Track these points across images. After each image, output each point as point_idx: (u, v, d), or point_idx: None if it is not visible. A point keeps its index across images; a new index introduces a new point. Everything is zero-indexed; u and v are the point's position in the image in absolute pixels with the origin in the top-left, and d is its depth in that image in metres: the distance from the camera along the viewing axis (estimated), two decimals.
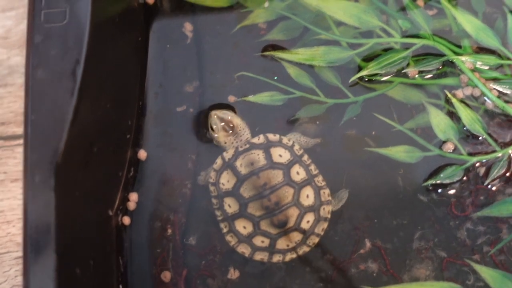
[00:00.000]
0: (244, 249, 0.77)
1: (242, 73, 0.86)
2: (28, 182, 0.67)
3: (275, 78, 0.85)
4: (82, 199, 0.71)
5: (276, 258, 0.77)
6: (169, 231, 0.80)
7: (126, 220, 0.79)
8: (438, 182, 0.79)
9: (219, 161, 0.79)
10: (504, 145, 0.81)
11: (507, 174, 0.80)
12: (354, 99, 0.84)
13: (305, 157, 0.78)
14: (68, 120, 0.69)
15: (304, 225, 0.76)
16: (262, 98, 0.85)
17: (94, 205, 0.74)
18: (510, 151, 0.80)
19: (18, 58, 0.90)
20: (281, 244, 0.76)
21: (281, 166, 0.76)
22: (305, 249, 0.77)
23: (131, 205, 0.80)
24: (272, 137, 0.79)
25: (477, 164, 0.80)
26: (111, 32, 0.78)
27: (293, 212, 0.75)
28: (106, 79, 0.76)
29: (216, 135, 0.81)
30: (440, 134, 0.81)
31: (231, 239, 0.78)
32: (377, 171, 0.81)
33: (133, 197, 0.80)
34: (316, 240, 0.77)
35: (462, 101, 0.82)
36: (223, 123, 0.80)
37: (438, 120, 0.81)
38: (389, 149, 0.81)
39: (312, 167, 0.78)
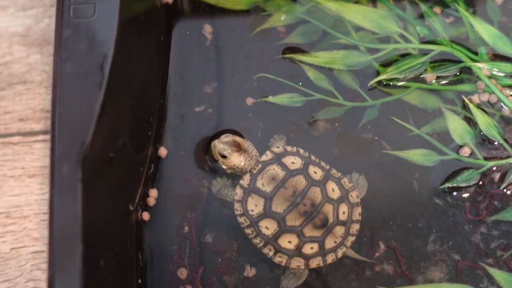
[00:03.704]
0: (297, 263, 0.77)
1: (261, 75, 0.87)
2: (56, 174, 0.67)
3: (300, 84, 0.86)
4: (106, 193, 0.72)
5: (330, 258, 0.77)
6: (186, 228, 0.81)
7: (146, 215, 0.80)
8: (455, 185, 0.80)
9: (238, 191, 0.77)
10: None
11: None
12: (372, 102, 0.85)
13: (313, 157, 0.80)
14: (96, 113, 0.69)
15: (342, 216, 0.77)
16: (281, 99, 0.86)
17: (117, 199, 0.75)
18: None
19: (37, 56, 0.90)
20: (329, 243, 0.77)
21: (299, 171, 0.77)
22: (351, 239, 0.78)
23: (151, 201, 0.80)
24: (277, 149, 0.79)
25: (493, 169, 0.81)
26: (137, 30, 0.79)
27: (328, 208, 0.76)
28: (131, 76, 0.77)
29: (229, 159, 0.79)
30: (457, 138, 0.82)
31: (281, 259, 0.77)
32: (393, 174, 0.82)
33: (153, 193, 0.81)
34: (357, 226, 0.78)
35: (478, 106, 0.84)
36: (230, 146, 0.79)
37: (455, 125, 0.83)
38: (406, 152, 0.82)
39: (323, 163, 0.79)
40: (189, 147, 0.85)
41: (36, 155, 0.86)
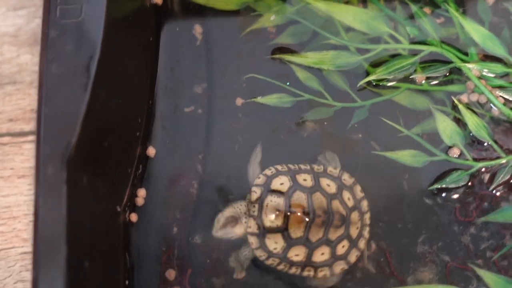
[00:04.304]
0: (340, 266, 0.77)
1: (251, 76, 0.87)
2: (41, 174, 0.67)
3: (288, 84, 0.86)
4: (92, 194, 0.72)
5: (362, 243, 0.78)
6: (175, 229, 0.81)
7: (134, 217, 0.80)
8: (444, 186, 0.80)
9: (253, 240, 0.75)
10: (509, 152, 0.82)
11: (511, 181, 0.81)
12: (362, 103, 0.85)
13: (291, 165, 0.79)
14: (81, 114, 0.69)
15: (349, 202, 0.77)
16: (270, 99, 0.85)
17: (104, 200, 0.75)
18: None
19: (28, 56, 0.90)
20: (353, 231, 0.77)
21: (292, 188, 0.76)
22: (367, 229, 0.78)
23: (139, 200, 0.80)
24: (259, 180, 0.78)
25: (482, 170, 0.81)
26: (124, 31, 0.78)
27: (337, 204, 0.76)
28: (118, 76, 0.76)
29: (237, 234, 0.77)
30: (447, 139, 0.82)
31: (324, 272, 0.77)
32: (382, 175, 0.82)
33: (141, 193, 0.80)
34: (368, 214, 0.79)
35: (468, 107, 0.83)
36: (228, 228, 0.78)
37: (445, 126, 0.82)
38: (395, 153, 0.82)
39: (303, 166, 0.79)
40: (179, 148, 0.85)
41: (26, 156, 0.86)
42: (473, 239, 0.80)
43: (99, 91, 0.72)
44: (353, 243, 0.78)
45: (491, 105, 0.84)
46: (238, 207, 0.77)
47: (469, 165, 0.82)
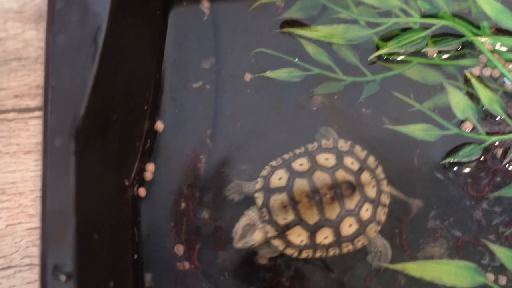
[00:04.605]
0: (373, 230, 0.76)
1: (260, 50, 0.85)
2: (48, 147, 0.66)
3: (296, 60, 0.85)
4: (101, 167, 0.71)
5: (385, 198, 0.77)
6: (183, 205, 0.80)
7: (142, 191, 0.79)
8: (456, 160, 0.79)
9: (277, 243, 0.74)
10: None
11: None
12: (372, 77, 0.84)
13: (294, 151, 0.78)
14: (89, 86, 0.68)
15: (353, 166, 0.76)
16: (280, 74, 0.84)
17: (112, 174, 0.74)
18: None
19: (33, 32, 0.89)
20: (369, 192, 0.76)
21: (291, 179, 0.75)
22: (384, 182, 0.78)
23: (148, 175, 0.79)
24: (258, 185, 0.76)
25: (495, 144, 0.80)
26: (131, 3, 0.77)
27: (341, 173, 0.75)
28: (125, 49, 0.76)
29: (258, 241, 0.75)
30: (459, 113, 0.81)
31: (360, 242, 0.76)
32: (394, 150, 0.81)
33: (150, 167, 0.80)
34: (379, 168, 0.78)
35: (481, 81, 0.82)
36: (247, 237, 0.75)
37: (457, 100, 0.81)
38: (407, 127, 0.81)
39: (302, 149, 0.78)
40: (187, 123, 0.84)
41: (32, 132, 0.85)
42: (485, 214, 0.79)
43: (106, 63, 0.71)
44: (376, 202, 0.76)
45: (504, 79, 0.82)
46: (251, 214, 0.75)
47: (482, 139, 0.81)
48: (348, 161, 0.76)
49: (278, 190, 0.73)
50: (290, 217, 0.72)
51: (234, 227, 0.75)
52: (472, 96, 0.82)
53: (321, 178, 0.73)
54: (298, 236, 0.72)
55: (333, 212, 0.73)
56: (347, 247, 0.75)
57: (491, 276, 0.76)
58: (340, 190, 0.73)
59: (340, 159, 0.76)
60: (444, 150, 0.80)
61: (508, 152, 0.79)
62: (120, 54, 0.74)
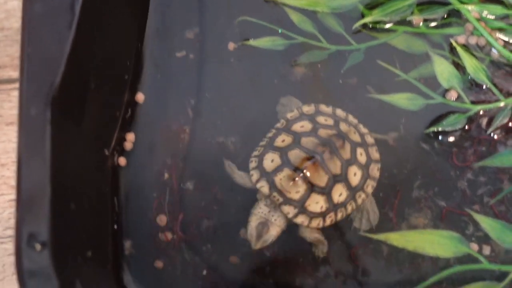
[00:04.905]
0: (371, 185, 0.76)
1: (243, 19, 0.85)
2: (24, 115, 0.65)
3: (280, 31, 0.84)
4: (79, 136, 0.70)
5: (374, 150, 0.77)
6: (166, 175, 0.79)
7: (122, 161, 0.78)
8: (441, 129, 0.78)
9: (302, 220, 0.72)
10: (508, 95, 0.80)
11: (510, 124, 0.79)
12: (357, 46, 0.83)
13: (272, 131, 0.77)
14: (65, 54, 0.67)
15: (328, 122, 0.77)
16: (263, 42, 0.83)
17: (90, 144, 0.73)
18: None
19: (15, 3, 0.88)
20: (355, 137, 0.76)
21: (283, 154, 0.74)
22: (368, 136, 0.78)
23: (128, 145, 0.79)
24: (255, 175, 0.74)
25: (480, 113, 0.79)
26: None
27: (322, 132, 0.75)
28: (105, 17, 0.75)
29: (275, 235, 0.73)
30: (444, 82, 0.80)
31: (360, 198, 0.75)
32: (378, 119, 0.81)
33: (130, 137, 0.79)
34: (355, 120, 0.79)
35: (467, 50, 0.81)
36: (262, 235, 0.73)
37: (442, 68, 0.80)
38: (391, 96, 0.80)
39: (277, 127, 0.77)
40: (169, 93, 0.83)
41: (14, 103, 0.84)
42: (470, 184, 0.78)
43: (84, 31, 0.70)
44: (364, 144, 0.76)
45: (491, 47, 0.81)
46: (260, 211, 0.73)
47: (466, 108, 0.80)
48: (322, 119, 0.75)
49: (277, 169, 0.72)
50: (302, 187, 0.71)
51: (247, 230, 0.72)
52: (458, 66, 0.81)
53: (309, 142, 0.73)
54: (317, 204, 0.72)
55: (336, 166, 0.73)
56: (360, 197, 0.75)
57: (475, 246, 0.75)
58: (332, 144, 0.73)
59: (314, 121, 0.75)
60: (429, 120, 0.80)
61: (493, 121, 0.79)
62: (99, 22, 0.73)
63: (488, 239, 0.76)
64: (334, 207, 0.73)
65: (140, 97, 0.81)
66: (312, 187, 0.71)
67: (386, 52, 0.83)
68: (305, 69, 0.82)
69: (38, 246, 0.63)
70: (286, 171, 0.72)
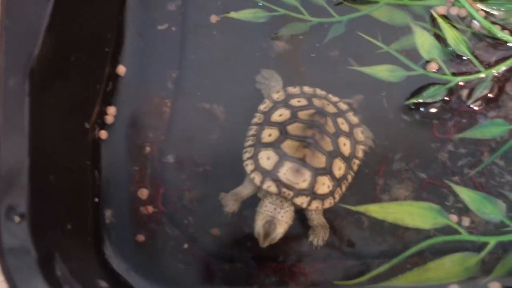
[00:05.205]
0: (360, 130, 0.77)
1: None
2: (2, 87, 0.65)
3: (261, 4, 0.83)
4: (58, 108, 0.70)
5: (350, 114, 0.78)
6: (148, 149, 0.79)
7: (103, 134, 0.78)
8: (421, 101, 0.78)
9: (317, 205, 0.73)
10: (489, 66, 0.80)
11: (490, 95, 0.79)
12: (339, 18, 0.83)
13: (253, 123, 0.77)
14: (44, 25, 0.67)
15: (302, 102, 0.77)
16: (245, 15, 0.83)
17: (71, 116, 0.73)
18: (494, 72, 0.79)
19: None
20: (331, 108, 0.77)
21: (275, 146, 0.74)
22: (341, 104, 0.78)
23: (109, 118, 0.79)
24: (257, 178, 0.73)
25: (461, 84, 0.79)
26: None
27: (301, 114, 0.76)
28: None
29: (283, 231, 0.73)
30: (425, 54, 0.80)
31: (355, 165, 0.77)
32: (360, 92, 0.80)
33: (111, 110, 0.79)
34: (329, 95, 0.79)
35: (448, 21, 0.81)
36: (269, 233, 0.72)
37: (423, 40, 0.80)
38: (372, 68, 0.80)
39: (257, 116, 0.77)
40: (151, 66, 0.83)
41: None
42: (451, 156, 0.78)
43: (63, 2, 0.69)
44: (340, 113, 0.77)
45: (472, 19, 0.81)
46: (265, 209, 0.73)
47: (447, 79, 0.80)
48: (295, 102, 0.76)
49: (278, 165, 0.72)
50: (307, 174, 0.72)
51: (254, 229, 0.72)
52: (440, 38, 0.81)
53: (295, 128, 0.74)
54: (324, 185, 0.72)
55: (328, 143, 0.73)
56: (355, 163, 0.75)
57: (454, 217, 0.76)
58: (317, 123, 0.73)
59: (289, 106, 0.76)
60: (410, 91, 0.80)
61: (473, 92, 0.79)
62: None
63: (468, 210, 0.76)
64: (338, 182, 0.73)
65: (121, 69, 0.81)
66: (315, 171, 0.71)
67: (368, 24, 0.82)
68: (287, 42, 0.82)
69: (16, 218, 0.63)
70: (288, 164, 0.72)
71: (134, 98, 0.81)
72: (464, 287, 0.73)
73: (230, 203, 0.75)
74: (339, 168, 0.73)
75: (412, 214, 0.75)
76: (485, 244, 0.74)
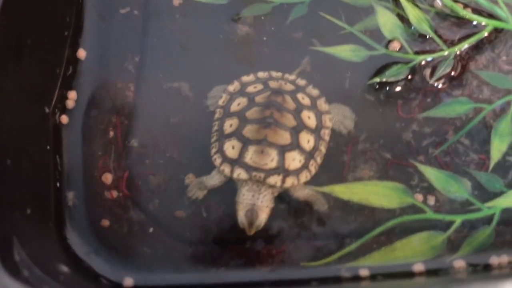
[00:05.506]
0: (322, 101, 0.77)
1: None
2: None
3: None
4: (15, 92, 0.69)
5: (310, 89, 0.79)
6: (111, 133, 0.79)
7: (64, 119, 0.77)
8: (384, 80, 0.78)
9: (292, 181, 0.73)
10: (452, 45, 0.79)
11: (453, 74, 0.79)
12: None
13: (216, 115, 0.77)
14: None
15: (258, 87, 0.77)
16: None
17: (29, 100, 0.72)
18: (457, 50, 0.79)
19: None
20: (288, 87, 0.77)
21: (235, 135, 0.74)
22: (289, 74, 0.78)
23: (70, 103, 0.78)
24: (226, 169, 0.74)
25: (423, 63, 0.79)
26: None
27: (259, 96, 0.76)
28: None
29: (266, 217, 0.73)
30: (387, 33, 0.80)
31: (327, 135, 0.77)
32: (324, 73, 0.80)
33: (72, 95, 0.78)
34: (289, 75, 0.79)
35: (410, 1, 0.81)
36: (253, 221, 0.72)
37: (385, 19, 0.80)
38: (334, 48, 0.80)
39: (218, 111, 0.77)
40: (113, 50, 0.82)
41: None
42: (415, 135, 0.78)
43: None
44: (298, 88, 0.77)
45: None
46: (243, 198, 0.73)
47: (409, 58, 0.80)
48: (251, 89, 0.76)
49: (242, 151, 0.72)
50: (273, 153, 0.71)
51: (238, 220, 0.72)
52: (403, 18, 0.81)
53: (254, 113, 0.73)
54: (294, 160, 0.72)
55: (289, 119, 0.73)
56: (325, 134, 0.75)
57: (419, 197, 0.75)
58: (274, 103, 0.73)
59: (245, 94, 0.76)
60: (373, 71, 0.80)
61: (436, 70, 0.79)
62: None
63: (433, 189, 0.76)
64: (309, 154, 0.73)
65: (81, 53, 0.80)
66: (281, 148, 0.71)
67: (331, 5, 0.82)
68: (249, 24, 0.81)
69: None
70: (252, 148, 0.72)
71: (96, 82, 0.80)
72: (430, 266, 0.72)
73: (195, 189, 0.74)
74: (307, 140, 0.73)
75: (377, 194, 0.75)
76: (451, 223, 0.74)
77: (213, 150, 0.74)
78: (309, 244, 0.74)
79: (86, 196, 0.76)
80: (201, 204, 0.75)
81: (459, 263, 0.71)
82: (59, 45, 0.77)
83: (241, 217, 0.71)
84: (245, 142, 0.71)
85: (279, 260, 0.74)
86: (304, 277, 0.72)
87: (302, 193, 0.74)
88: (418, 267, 0.71)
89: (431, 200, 0.75)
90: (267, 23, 0.81)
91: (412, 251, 0.73)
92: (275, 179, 0.71)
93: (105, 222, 0.75)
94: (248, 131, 0.72)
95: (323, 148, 0.74)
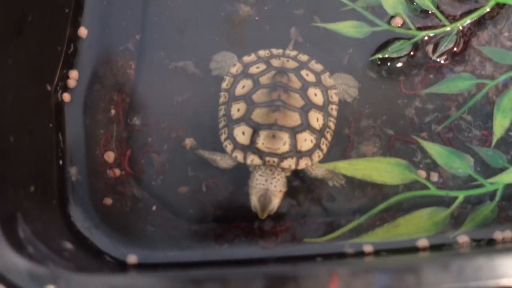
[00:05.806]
0: (327, 75, 0.77)
1: None
2: None
3: None
4: (16, 70, 0.69)
5: (312, 64, 0.78)
6: (113, 111, 0.78)
7: (66, 97, 0.77)
8: (387, 56, 0.78)
9: (306, 162, 0.73)
10: (454, 20, 0.79)
11: (455, 49, 0.79)
12: None
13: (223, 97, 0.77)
14: None
15: (261, 68, 0.77)
16: None
17: (30, 78, 0.72)
18: (459, 25, 0.79)
19: None
20: (290, 65, 0.76)
21: (242, 121, 0.74)
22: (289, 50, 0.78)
23: (71, 82, 0.78)
24: (238, 154, 0.73)
25: (426, 39, 0.79)
26: None
27: (264, 77, 0.75)
28: None
29: (279, 201, 0.73)
30: (389, 9, 0.79)
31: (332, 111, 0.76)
32: (326, 49, 0.80)
33: (73, 74, 0.78)
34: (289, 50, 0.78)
35: None
36: (267, 206, 0.72)
37: None
38: (336, 25, 0.80)
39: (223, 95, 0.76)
40: (114, 28, 0.82)
41: None
42: (418, 112, 0.78)
43: None
44: (301, 65, 0.77)
45: None
46: (257, 182, 0.73)
47: (412, 34, 0.79)
48: (254, 69, 0.76)
49: (254, 136, 0.72)
50: (285, 136, 0.71)
51: (251, 204, 0.72)
52: None
53: (261, 95, 0.73)
54: (306, 141, 0.72)
55: (297, 99, 0.73)
56: (332, 109, 0.75)
57: (422, 173, 0.75)
58: (280, 83, 0.73)
59: (249, 75, 0.75)
60: (375, 47, 0.79)
61: (438, 46, 0.78)
62: None
63: (436, 165, 0.76)
64: (320, 133, 0.73)
65: (83, 31, 0.79)
66: (292, 130, 0.71)
67: None
68: (251, 1, 0.81)
69: None
70: (263, 133, 0.71)
71: (97, 60, 0.80)
72: (433, 241, 0.72)
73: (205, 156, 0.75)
74: (316, 119, 0.73)
75: (380, 170, 0.75)
76: (454, 199, 0.74)
77: (223, 136, 0.73)
78: (312, 221, 0.75)
79: (89, 174, 0.76)
80: (205, 181, 0.75)
81: (463, 238, 0.71)
82: (60, 23, 0.76)
83: (254, 201, 0.71)
84: (255, 127, 0.71)
85: (283, 237, 0.74)
86: (308, 253, 0.72)
87: (319, 171, 0.74)
88: (422, 242, 0.71)
89: (434, 177, 0.75)
90: (269, 0, 0.80)
91: (416, 227, 0.73)
92: (289, 163, 0.71)
93: (108, 201, 0.75)
94: (257, 115, 0.71)
95: (332, 124, 0.74)
